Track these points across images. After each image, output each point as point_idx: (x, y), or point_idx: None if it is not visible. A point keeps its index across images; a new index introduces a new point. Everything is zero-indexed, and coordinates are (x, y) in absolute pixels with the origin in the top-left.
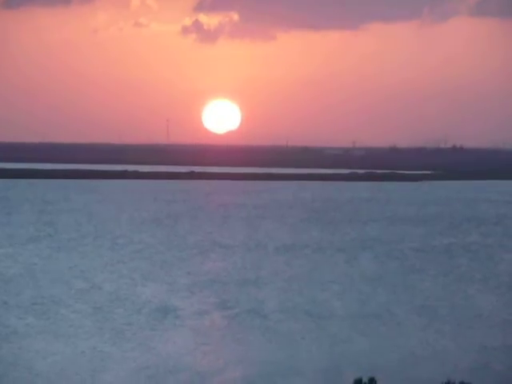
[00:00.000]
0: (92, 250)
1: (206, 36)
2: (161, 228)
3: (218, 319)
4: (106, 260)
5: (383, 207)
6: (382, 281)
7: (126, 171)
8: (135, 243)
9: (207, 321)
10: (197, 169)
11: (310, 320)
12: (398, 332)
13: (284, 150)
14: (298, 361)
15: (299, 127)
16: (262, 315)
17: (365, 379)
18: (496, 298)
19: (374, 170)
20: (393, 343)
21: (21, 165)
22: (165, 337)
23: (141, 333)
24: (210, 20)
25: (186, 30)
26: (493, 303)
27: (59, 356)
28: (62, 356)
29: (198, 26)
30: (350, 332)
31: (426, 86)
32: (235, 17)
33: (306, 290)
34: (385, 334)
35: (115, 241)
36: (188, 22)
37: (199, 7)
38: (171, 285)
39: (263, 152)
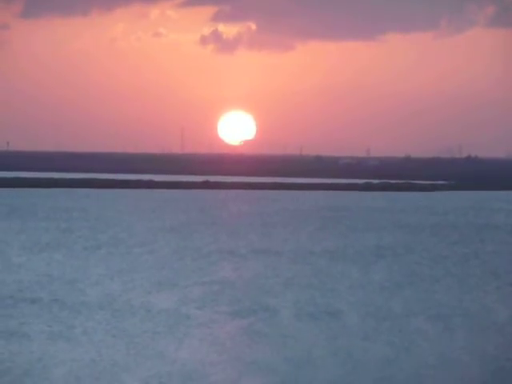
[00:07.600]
0: (107, 258)
1: (224, 46)
2: (175, 237)
3: (233, 328)
4: (120, 269)
5: (397, 217)
6: (395, 290)
7: (140, 180)
8: (150, 252)
9: (222, 329)
10: (211, 178)
11: (324, 328)
12: (412, 341)
13: (298, 159)
14: (312, 369)
15: (313, 136)
16: (277, 323)
17: None
18: (511, 307)
19: (388, 180)
20: (406, 352)
21: (35, 174)
22: (179, 345)
23: (155, 341)
24: (228, 30)
25: (204, 40)
26: (508, 313)
27: (74, 364)
28: (76, 364)
29: (216, 36)
30: (363, 341)
31: (441, 95)
32: (253, 27)
33: (320, 299)
34: (398, 343)
35: (130, 250)
36: (206, 31)
37: (218, 17)
38: (186, 293)
39: (277, 161)
